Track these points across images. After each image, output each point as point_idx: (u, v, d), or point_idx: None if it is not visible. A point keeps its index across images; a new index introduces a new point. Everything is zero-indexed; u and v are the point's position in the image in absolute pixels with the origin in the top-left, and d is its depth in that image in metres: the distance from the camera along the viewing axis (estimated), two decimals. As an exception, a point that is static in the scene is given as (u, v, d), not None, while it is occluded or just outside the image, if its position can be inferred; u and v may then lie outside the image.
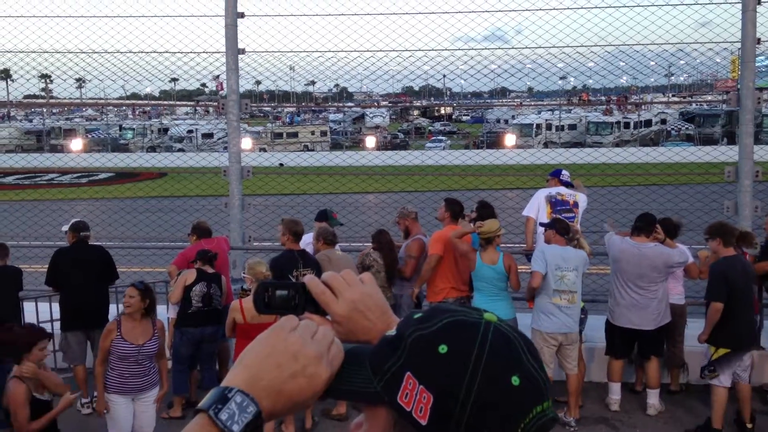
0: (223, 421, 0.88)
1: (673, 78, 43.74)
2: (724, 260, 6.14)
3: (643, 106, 46.05)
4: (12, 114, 57.81)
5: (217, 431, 0.89)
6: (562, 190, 7.67)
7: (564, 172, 7.95)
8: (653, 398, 6.67)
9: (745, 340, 6.11)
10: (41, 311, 7.37)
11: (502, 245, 7.03)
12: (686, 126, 44.26)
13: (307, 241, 7.22)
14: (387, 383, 0.91)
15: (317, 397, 0.95)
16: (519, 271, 6.70)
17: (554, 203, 7.56)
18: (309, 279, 1.12)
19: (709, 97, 50.28)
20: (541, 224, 7.10)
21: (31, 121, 55.21)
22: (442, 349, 0.88)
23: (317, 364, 0.94)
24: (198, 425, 0.90)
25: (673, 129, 45.62)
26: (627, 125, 44.95)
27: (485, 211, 7.34)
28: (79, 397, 6.84)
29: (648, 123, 45.88)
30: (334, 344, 0.97)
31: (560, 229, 6.51)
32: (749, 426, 6.15)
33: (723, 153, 10.40)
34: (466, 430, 0.86)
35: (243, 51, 8.73)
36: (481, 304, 6.47)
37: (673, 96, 54.44)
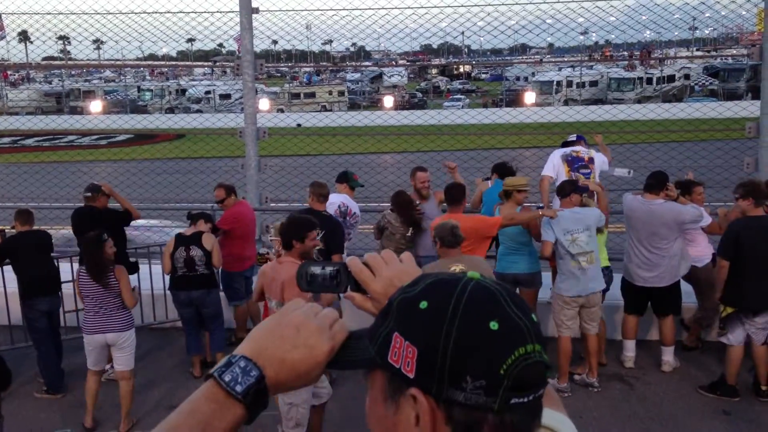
0: (226, 382, 0.98)
1: (697, 32, 42.73)
2: (743, 220, 6.03)
3: (665, 61, 45.08)
4: (31, 76, 58.01)
5: (222, 392, 0.98)
6: (577, 147, 7.66)
7: (570, 136, 8.01)
8: (668, 355, 6.68)
9: (752, 302, 5.97)
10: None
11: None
12: (710, 81, 43.32)
13: (331, 201, 7.21)
14: (379, 347, 0.95)
15: (320, 368, 1.02)
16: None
17: (570, 161, 7.53)
18: (350, 259, 1.21)
19: (734, 51, 49.06)
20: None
21: (50, 83, 55.36)
22: (423, 305, 0.92)
23: (318, 337, 1.02)
24: (206, 386, 1.00)
25: (696, 84, 44.68)
26: (649, 81, 44.10)
27: (506, 170, 7.32)
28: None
29: (671, 78, 44.98)
30: (338, 323, 1.05)
31: (560, 191, 6.47)
32: (764, 388, 6.04)
33: (744, 108, 10.24)
34: (450, 376, 0.88)
35: (257, 10, 8.67)
36: (502, 257, 6.69)
37: (696, 50, 53.14)
